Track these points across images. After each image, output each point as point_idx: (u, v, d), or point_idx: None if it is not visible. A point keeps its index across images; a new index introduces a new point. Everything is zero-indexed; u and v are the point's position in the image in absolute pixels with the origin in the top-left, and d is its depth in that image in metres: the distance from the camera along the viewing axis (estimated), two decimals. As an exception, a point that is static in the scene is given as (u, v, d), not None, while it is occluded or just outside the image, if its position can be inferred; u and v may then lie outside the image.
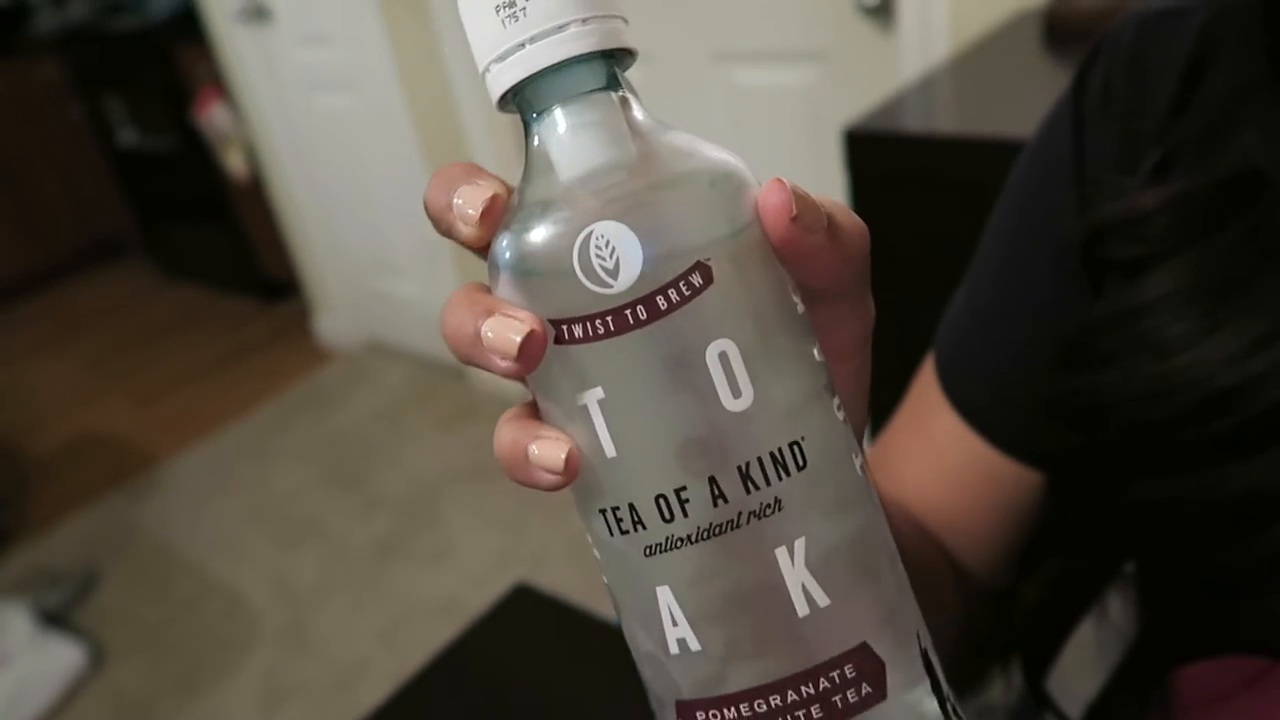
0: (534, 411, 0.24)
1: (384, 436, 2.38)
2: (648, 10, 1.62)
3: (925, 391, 0.48)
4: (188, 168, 3.03)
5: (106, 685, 1.81)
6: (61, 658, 1.82)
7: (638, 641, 0.23)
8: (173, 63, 2.82)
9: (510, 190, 0.23)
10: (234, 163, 2.76)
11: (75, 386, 3.01)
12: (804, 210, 0.22)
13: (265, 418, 2.58)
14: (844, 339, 0.26)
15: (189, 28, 2.63)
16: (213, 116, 2.71)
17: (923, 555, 0.45)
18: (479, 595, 1.75)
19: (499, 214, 0.22)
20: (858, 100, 1.29)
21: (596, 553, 0.24)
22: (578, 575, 1.77)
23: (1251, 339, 0.33)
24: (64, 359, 3.23)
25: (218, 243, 3.22)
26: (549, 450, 0.22)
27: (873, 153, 0.96)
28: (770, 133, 1.60)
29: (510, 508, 2.01)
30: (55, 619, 1.94)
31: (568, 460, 0.22)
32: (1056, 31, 1.06)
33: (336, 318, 2.85)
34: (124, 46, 3.00)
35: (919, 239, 0.95)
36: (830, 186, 1.40)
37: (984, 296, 0.46)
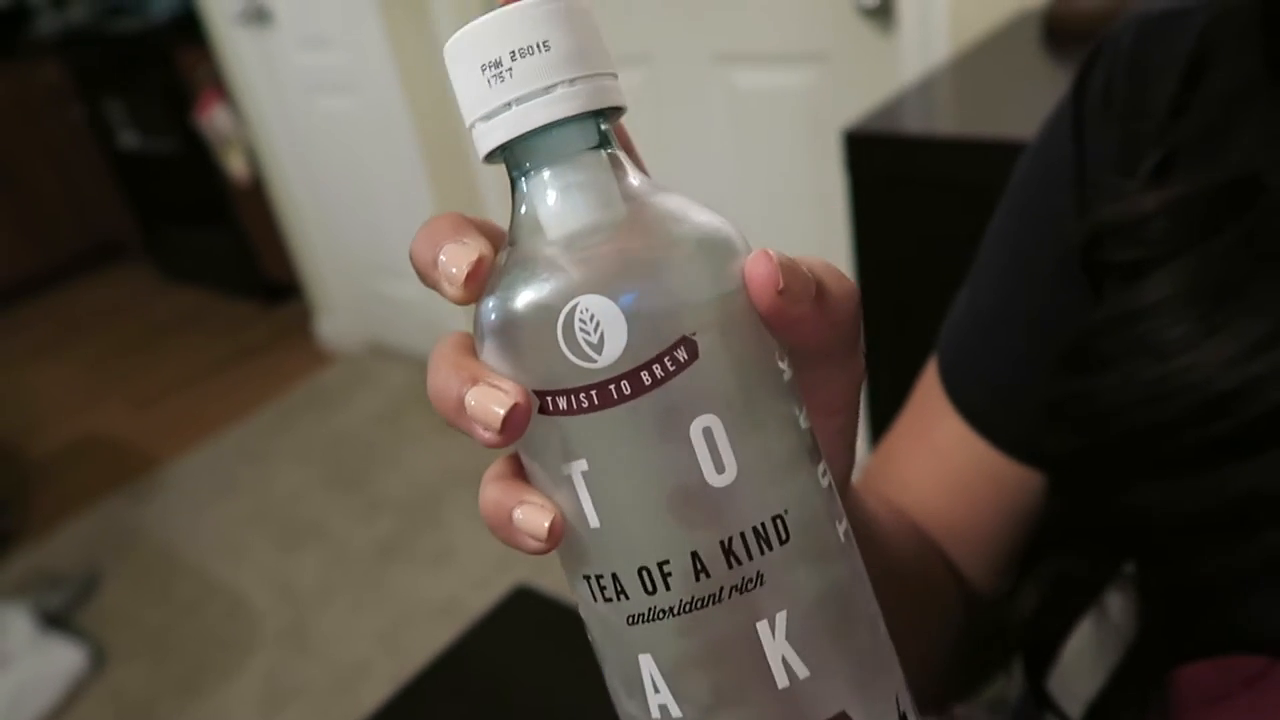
0: (518, 468, 0.24)
1: (385, 438, 2.38)
2: (648, 11, 1.62)
3: (928, 395, 0.48)
4: (188, 170, 3.03)
5: (107, 687, 1.81)
6: (62, 659, 1.82)
7: (620, 701, 0.24)
8: (173, 65, 2.82)
9: (497, 249, 0.23)
10: (235, 165, 2.76)
11: (76, 388, 3.01)
12: (790, 280, 0.21)
13: (266, 420, 2.58)
14: (830, 396, 0.26)
15: (190, 30, 2.63)
16: (213, 119, 2.71)
17: (924, 564, 0.45)
18: (479, 597, 1.75)
19: (484, 277, 0.22)
20: (858, 101, 1.29)
21: (582, 612, 0.24)
22: (579, 577, 1.77)
23: (1251, 342, 0.33)
24: (65, 361, 3.23)
25: (218, 245, 3.22)
26: (533, 517, 0.22)
27: (873, 154, 0.96)
28: (770, 134, 1.60)
29: (511, 509, 2.01)
30: (56, 621, 1.94)
31: (550, 529, 0.22)
32: (1057, 32, 1.06)
33: (337, 320, 2.85)
34: (125, 49, 3.00)
35: (919, 240, 0.95)
36: (830, 188, 1.40)
37: (985, 299, 0.47)
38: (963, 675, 0.50)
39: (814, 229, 1.58)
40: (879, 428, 0.98)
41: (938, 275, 0.60)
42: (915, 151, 0.95)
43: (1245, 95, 0.36)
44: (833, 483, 0.24)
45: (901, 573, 0.40)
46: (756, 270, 0.21)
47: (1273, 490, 0.34)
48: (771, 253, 0.21)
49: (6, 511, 2.38)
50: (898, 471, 0.48)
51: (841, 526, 0.23)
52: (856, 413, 0.28)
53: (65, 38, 3.29)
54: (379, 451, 2.33)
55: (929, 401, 0.48)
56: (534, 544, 0.22)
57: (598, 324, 0.20)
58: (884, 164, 0.97)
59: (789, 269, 0.21)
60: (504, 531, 0.23)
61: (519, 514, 0.22)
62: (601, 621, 0.23)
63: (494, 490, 0.23)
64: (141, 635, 1.92)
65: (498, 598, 0.71)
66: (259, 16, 2.36)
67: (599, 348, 0.21)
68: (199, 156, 2.90)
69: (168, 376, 2.95)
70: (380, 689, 1.58)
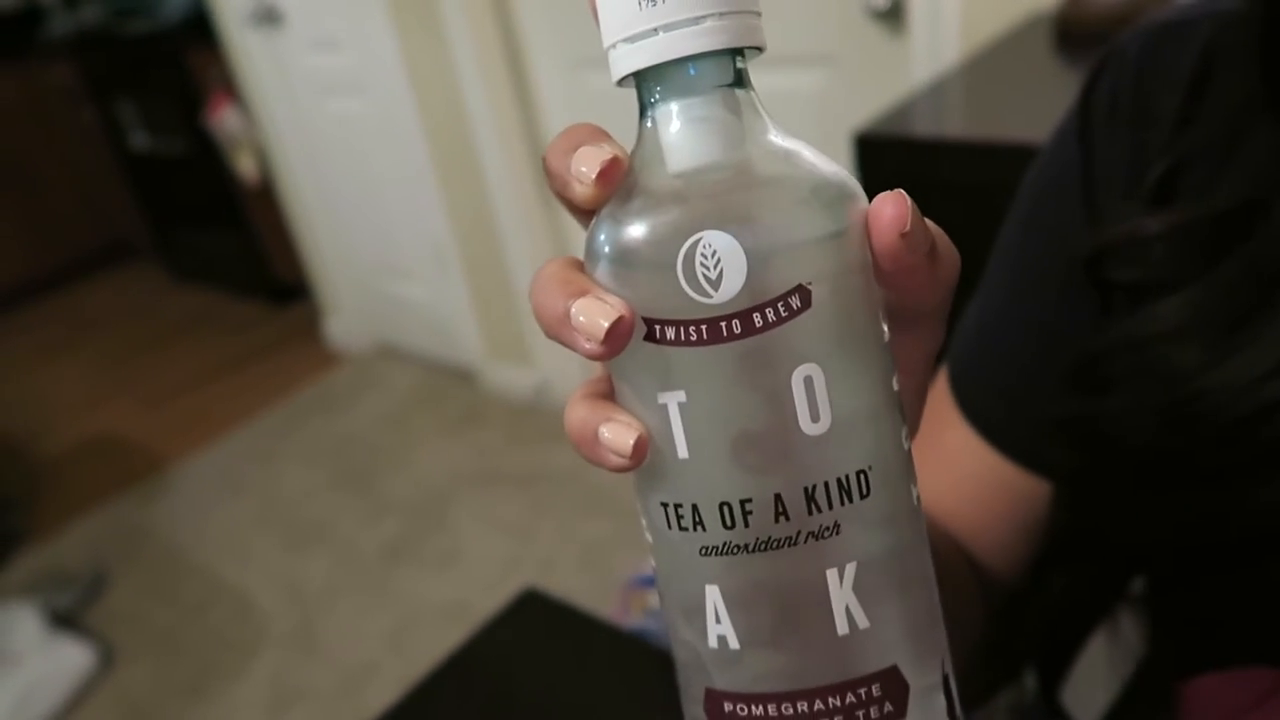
0: (605, 390, 0.24)
1: (393, 440, 2.39)
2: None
3: (938, 402, 0.48)
4: (199, 171, 3.05)
5: (115, 687, 1.82)
6: (70, 659, 1.82)
7: (677, 628, 0.24)
8: (184, 67, 2.83)
9: (629, 160, 0.23)
10: (245, 166, 2.77)
11: (85, 388, 3.02)
12: (915, 225, 0.22)
13: (274, 420, 2.59)
14: (916, 358, 0.27)
15: (201, 32, 2.65)
16: (224, 120, 2.72)
17: (953, 565, 0.45)
18: (487, 599, 1.75)
19: (616, 178, 0.22)
20: (868, 104, 1.28)
21: (649, 537, 0.24)
22: (586, 580, 1.77)
23: (1263, 369, 0.33)
24: (75, 361, 3.25)
25: (228, 246, 3.23)
26: (620, 434, 0.22)
27: (883, 157, 0.96)
28: (780, 137, 1.59)
29: (519, 512, 2.02)
30: (64, 620, 1.95)
31: (636, 446, 0.22)
32: (1067, 36, 1.05)
33: (346, 321, 2.86)
34: (136, 50, 3.01)
35: (929, 243, 0.95)
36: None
37: (995, 308, 0.47)
38: (979, 677, 0.50)
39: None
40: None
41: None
42: (925, 154, 0.95)
43: (1247, 112, 0.36)
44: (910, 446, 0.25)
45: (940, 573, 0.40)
46: (885, 208, 0.21)
47: None
48: (905, 195, 0.22)
49: (15, 511, 2.39)
50: None
51: (915, 490, 0.24)
52: (930, 378, 0.28)
53: (77, 39, 3.30)
54: (387, 453, 2.33)
55: (938, 409, 0.48)
56: (617, 460, 0.22)
57: (719, 260, 0.21)
58: (894, 167, 0.96)
59: (916, 215, 0.22)
60: (588, 448, 0.23)
61: (605, 431, 0.22)
62: (672, 549, 0.23)
63: (582, 408, 0.23)
64: (149, 635, 1.93)
65: (505, 600, 0.71)
66: (269, 18, 2.37)
67: (716, 284, 0.21)
68: (209, 157, 2.91)
69: (176, 377, 2.96)
70: (387, 691, 1.58)
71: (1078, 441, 0.40)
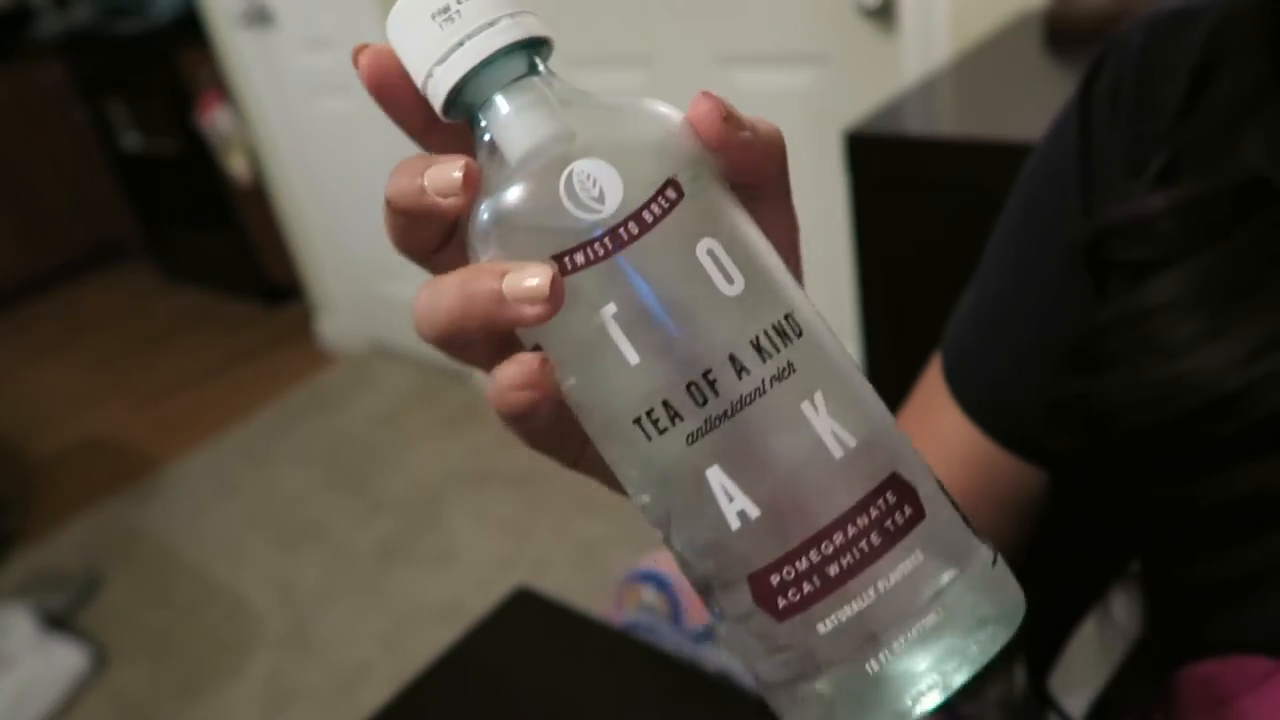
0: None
1: (386, 439, 2.38)
2: (648, 11, 1.62)
3: (930, 389, 0.48)
4: (190, 171, 3.04)
5: (109, 688, 1.81)
6: (64, 661, 1.82)
7: (696, 538, 0.25)
8: (175, 66, 2.82)
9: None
10: (236, 166, 2.76)
11: (78, 390, 3.01)
12: (730, 112, 0.25)
13: (267, 421, 2.58)
14: (779, 239, 0.28)
15: (191, 31, 2.64)
16: (215, 120, 2.72)
17: None
18: (481, 598, 1.74)
19: (477, 180, 0.24)
20: (859, 102, 1.29)
21: (635, 471, 0.25)
22: (580, 579, 1.77)
23: (1258, 343, 0.34)
24: (67, 362, 3.24)
25: (220, 246, 3.22)
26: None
27: (873, 155, 0.96)
28: (772, 135, 1.60)
29: (513, 511, 2.02)
30: (58, 622, 1.94)
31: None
32: (1057, 34, 1.06)
33: (339, 321, 2.85)
34: (127, 50, 3.00)
35: (919, 241, 0.95)
36: (831, 188, 1.40)
37: (990, 296, 0.47)
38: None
39: (814, 230, 1.57)
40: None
41: (938, 276, 0.60)
42: (916, 152, 0.95)
43: (1253, 98, 0.36)
44: None
45: None
46: (701, 105, 0.25)
47: (1278, 490, 0.33)
48: (710, 91, 0.25)
49: (8, 512, 2.38)
50: None
51: (830, 328, 0.27)
52: (799, 266, 0.30)
53: (67, 39, 3.29)
54: (380, 452, 2.33)
55: (932, 395, 0.48)
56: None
57: (595, 180, 0.23)
58: (884, 165, 0.97)
59: (727, 103, 0.25)
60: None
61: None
62: (660, 457, 0.24)
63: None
64: (143, 636, 1.92)
65: (499, 599, 0.71)
66: (260, 18, 2.37)
67: (601, 199, 0.23)
68: (201, 158, 2.90)
69: (169, 377, 2.95)
70: (381, 690, 1.57)
71: (1071, 424, 0.40)
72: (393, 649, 1.74)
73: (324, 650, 1.78)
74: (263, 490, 2.29)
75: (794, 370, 0.24)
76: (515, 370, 0.23)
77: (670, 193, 0.24)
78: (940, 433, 0.47)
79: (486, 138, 0.25)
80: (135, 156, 3.32)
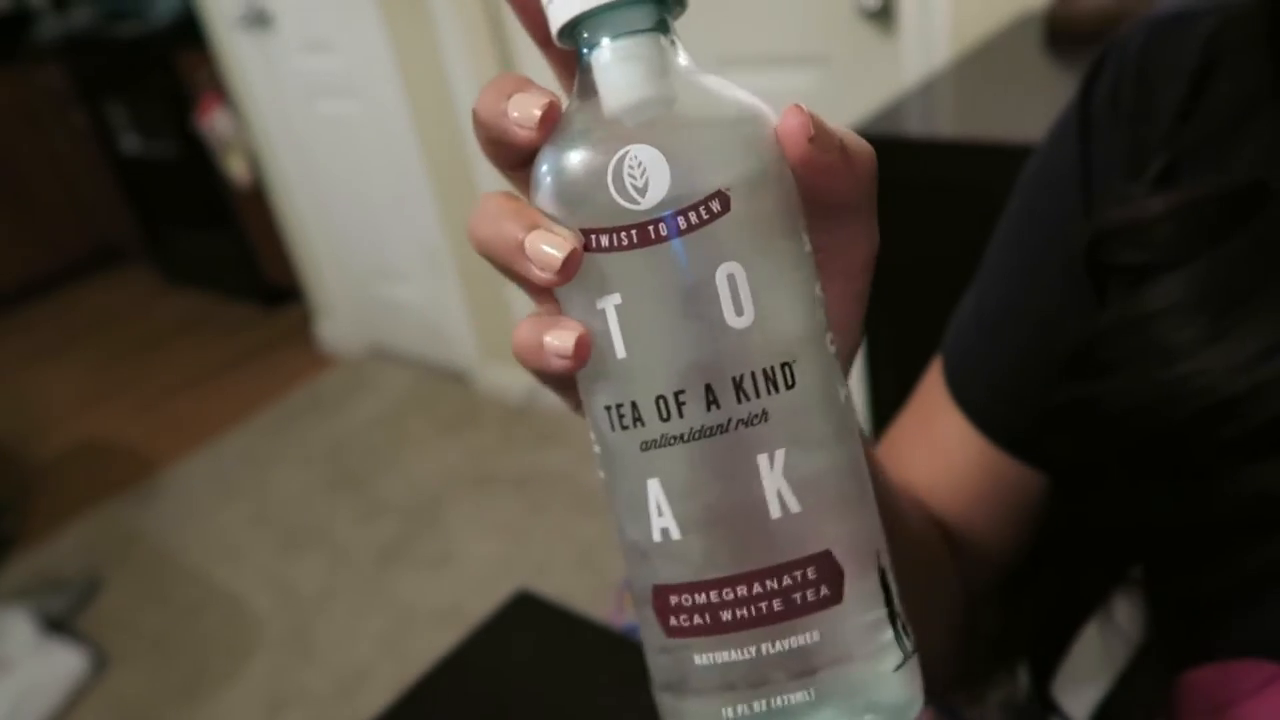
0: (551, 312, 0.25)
1: (386, 442, 2.38)
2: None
3: (931, 392, 0.48)
4: (190, 174, 3.04)
5: (108, 692, 1.81)
6: (64, 664, 1.82)
7: (626, 531, 0.26)
8: (175, 69, 2.82)
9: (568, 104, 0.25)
10: (236, 169, 2.76)
11: (78, 392, 3.01)
12: (820, 131, 0.24)
13: (267, 423, 2.58)
14: (853, 260, 0.28)
15: (191, 34, 2.64)
16: (214, 122, 2.72)
17: (929, 535, 0.45)
18: (481, 602, 1.75)
19: (555, 119, 0.24)
20: (859, 104, 1.29)
21: (596, 447, 0.26)
22: (580, 581, 1.77)
23: (1260, 347, 0.33)
24: (66, 365, 3.24)
25: (220, 248, 3.22)
26: (561, 337, 0.24)
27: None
28: (771, 137, 1.60)
29: (513, 514, 2.01)
30: (57, 625, 1.94)
31: (577, 345, 0.24)
32: (1057, 35, 1.06)
33: (338, 323, 2.85)
34: (126, 53, 3.00)
35: (920, 243, 0.95)
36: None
37: (991, 299, 0.47)
38: (963, 668, 0.50)
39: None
40: (882, 424, 0.98)
41: (938, 278, 0.59)
42: (916, 154, 0.95)
43: (1252, 101, 0.36)
44: (839, 351, 0.26)
45: (907, 534, 0.40)
46: (790, 120, 0.24)
47: None
48: (803, 107, 0.24)
49: (7, 515, 2.38)
50: (898, 465, 0.49)
51: (843, 391, 0.26)
52: (869, 285, 0.29)
53: (67, 42, 3.29)
54: (380, 455, 2.33)
55: (932, 398, 0.48)
56: (560, 362, 0.24)
57: (644, 170, 0.23)
58: (884, 167, 0.96)
59: (818, 120, 0.24)
60: (534, 356, 0.24)
61: (549, 337, 0.24)
62: (616, 450, 0.25)
63: (528, 325, 0.25)
64: (142, 639, 1.92)
65: (499, 602, 0.71)
66: (260, 20, 2.37)
67: (643, 191, 0.23)
68: (200, 160, 2.90)
69: (169, 380, 2.95)
70: (381, 694, 1.57)
71: (1073, 428, 0.40)
72: (392, 652, 1.74)
73: (323, 653, 1.78)
74: (262, 493, 2.29)
75: (765, 420, 0.23)
76: (559, 342, 0.24)
77: (715, 204, 0.23)
78: (941, 436, 0.47)
79: (587, 73, 0.25)
80: (135, 159, 3.32)
